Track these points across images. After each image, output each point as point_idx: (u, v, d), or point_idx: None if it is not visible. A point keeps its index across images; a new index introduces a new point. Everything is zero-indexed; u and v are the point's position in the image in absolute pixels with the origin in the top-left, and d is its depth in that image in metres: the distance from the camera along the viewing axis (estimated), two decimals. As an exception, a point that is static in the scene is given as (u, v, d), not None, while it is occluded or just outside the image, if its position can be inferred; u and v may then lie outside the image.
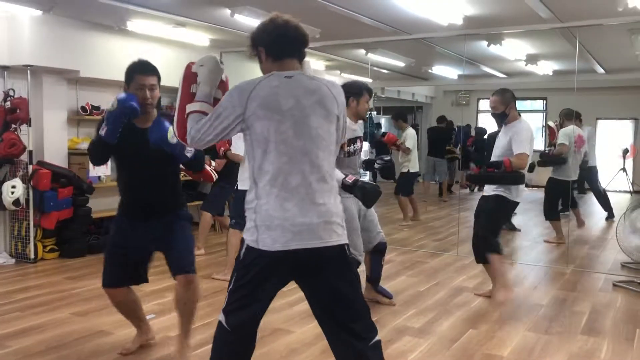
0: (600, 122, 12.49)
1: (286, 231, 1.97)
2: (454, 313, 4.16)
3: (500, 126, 4.42)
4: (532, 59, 8.85)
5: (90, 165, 5.76)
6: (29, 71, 5.52)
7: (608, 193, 9.30)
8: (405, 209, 8.12)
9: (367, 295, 4.14)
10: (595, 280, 5.21)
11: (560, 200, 7.08)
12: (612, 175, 11.24)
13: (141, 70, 2.96)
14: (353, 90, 3.91)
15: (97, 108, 6.36)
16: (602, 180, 11.44)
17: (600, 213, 9.25)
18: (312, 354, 3.30)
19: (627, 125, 13.10)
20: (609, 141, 12.90)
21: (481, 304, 4.39)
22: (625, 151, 11.33)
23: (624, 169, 11.30)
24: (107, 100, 6.54)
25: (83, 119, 6.33)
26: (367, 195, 3.50)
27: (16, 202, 5.36)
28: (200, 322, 3.86)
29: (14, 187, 5.37)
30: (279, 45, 2.11)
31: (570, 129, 6.86)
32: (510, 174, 4.11)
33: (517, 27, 6.49)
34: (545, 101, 13.73)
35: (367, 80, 10.66)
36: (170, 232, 3.05)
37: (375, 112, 12.10)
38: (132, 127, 2.93)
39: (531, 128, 4.25)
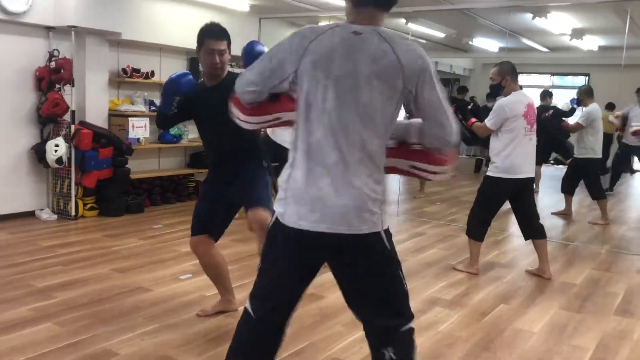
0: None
1: (315, 210, 1.75)
2: (485, 287, 4.16)
3: (495, 97, 4.42)
4: (577, 33, 8.57)
5: (130, 126, 5.88)
6: (73, 32, 5.61)
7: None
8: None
9: None
10: (630, 261, 5.13)
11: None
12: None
13: (211, 35, 2.97)
14: None
15: (138, 71, 6.44)
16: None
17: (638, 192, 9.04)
18: (343, 320, 3.36)
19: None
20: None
21: (514, 279, 4.38)
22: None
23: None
24: (147, 63, 6.62)
25: (124, 81, 6.43)
26: None
27: (59, 160, 5.51)
28: (234, 283, 3.96)
29: (57, 145, 5.52)
30: None
31: (595, 107, 6.58)
32: (465, 129, 4.27)
33: (566, 0, 6.28)
34: (587, 77, 13.33)
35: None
36: (244, 182, 3.11)
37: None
38: (204, 88, 3.09)
39: (512, 105, 4.13)
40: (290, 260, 1.86)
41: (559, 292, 4.12)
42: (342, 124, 1.74)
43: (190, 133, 7.25)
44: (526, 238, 4.54)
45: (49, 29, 5.63)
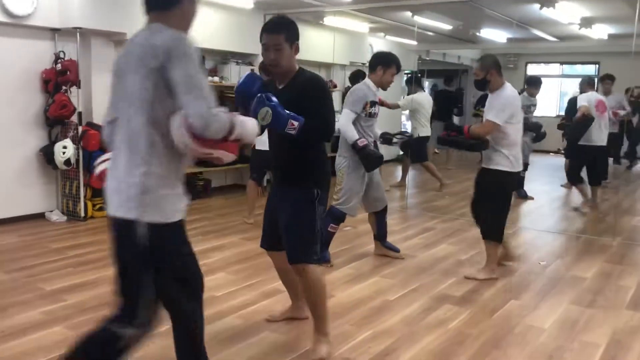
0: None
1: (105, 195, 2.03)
2: (495, 283, 4.13)
3: (483, 91, 4.35)
4: (586, 22, 8.46)
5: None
6: (78, 33, 5.61)
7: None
8: (435, 173, 8.04)
9: (376, 252, 4.69)
10: (643, 253, 5.08)
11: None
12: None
13: (265, 28, 2.69)
14: (383, 61, 4.25)
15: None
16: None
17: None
18: (352, 319, 3.36)
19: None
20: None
21: (523, 275, 4.35)
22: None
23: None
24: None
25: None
26: (370, 160, 4.05)
27: (67, 161, 5.54)
28: (243, 283, 3.97)
29: (65, 147, 5.54)
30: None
31: (590, 94, 6.68)
32: (467, 141, 4.09)
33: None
34: (598, 66, 13.18)
35: (412, 42, 10.47)
36: (285, 210, 2.80)
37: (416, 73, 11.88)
38: (274, 89, 2.77)
39: (514, 96, 4.05)
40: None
41: (570, 286, 4.09)
42: (120, 109, 1.99)
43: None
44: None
45: (54, 30, 5.64)
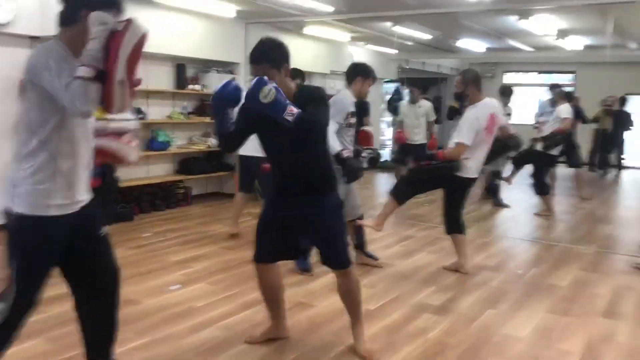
0: (630, 97, 12.21)
1: None
2: (474, 292, 4.20)
3: (461, 106, 4.52)
4: (562, 33, 8.66)
5: (117, 135, 5.85)
6: (57, 41, 5.57)
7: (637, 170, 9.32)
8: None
9: (357, 261, 4.64)
10: (617, 261, 5.19)
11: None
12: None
13: (250, 59, 2.75)
14: (362, 72, 4.28)
15: (124, 78, 6.41)
16: (633, 155, 11.35)
17: (627, 192, 9.14)
18: (333, 329, 3.39)
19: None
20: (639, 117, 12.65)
21: (500, 284, 4.42)
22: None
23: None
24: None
25: (110, 89, 6.40)
26: (352, 171, 4.13)
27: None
28: (224, 293, 3.98)
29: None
30: None
31: (568, 106, 6.97)
32: (444, 164, 4.33)
33: (549, 3, 6.35)
34: (574, 75, 13.47)
35: (392, 52, 10.58)
36: (318, 219, 2.85)
37: (400, 84, 12.01)
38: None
39: (479, 116, 4.24)
40: None
41: (546, 295, 4.17)
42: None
43: (178, 139, 7.24)
44: (449, 232, 4.69)
45: (33, 38, 5.59)
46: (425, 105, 7.82)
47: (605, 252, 5.52)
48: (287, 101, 2.51)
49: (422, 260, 4.99)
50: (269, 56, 2.70)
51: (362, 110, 6.84)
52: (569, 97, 7.31)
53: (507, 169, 7.77)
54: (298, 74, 6.58)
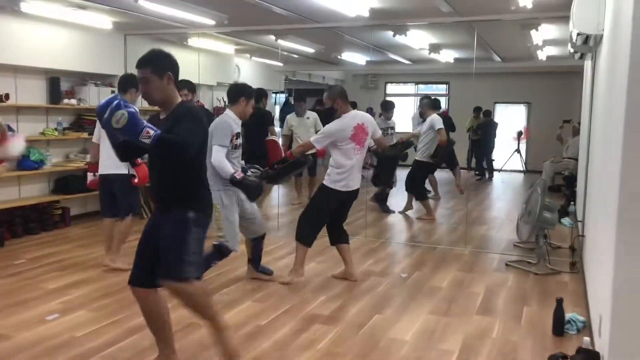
0: (497, 105, 13.27)
1: None
2: (362, 298, 4.34)
3: (331, 120, 4.73)
4: (434, 48, 9.22)
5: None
6: None
7: (504, 173, 10.13)
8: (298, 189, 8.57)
9: (248, 276, 4.77)
10: (490, 260, 5.60)
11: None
12: (508, 155, 12.05)
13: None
14: (245, 93, 4.34)
15: (-11, 93, 5.94)
16: (499, 160, 12.29)
17: (496, 194, 9.87)
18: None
19: (521, 109, 14.01)
20: (505, 124, 13.77)
21: (386, 288, 4.60)
22: (520, 133, 12.15)
23: (518, 150, 12.09)
24: (0, 85, 6.11)
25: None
26: (251, 191, 4.13)
27: None
28: (107, 319, 3.78)
29: None
30: None
31: (437, 116, 7.46)
32: (292, 162, 4.56)
33: (421, 20, 6.75)
34: (448, 85, 14.38)
35: (277, 64, 10.69)
36: (160, 233, 2.86)
37: (287, 94, 12.17)
38: (157, 120, 2.91)
39: (342, 126, 4.49)
40: None
41: (428, 297, 4.40)
42: None
43: (53, 157, 6.80)
44: (333, 243, 4.87)
45: None
46: (313, 116, 8.00)
47: (479, 252, 5.93)
48: (144, 123, 2.51)
49: (312, 271, 5.07)
50: (152, 62, 2.80)
51: (265, 120, 7.04)
52: (435, 106, 7.73)
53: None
54: (261, 94, 6.59)
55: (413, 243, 6.37)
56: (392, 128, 7.91)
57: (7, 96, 6.09)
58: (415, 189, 7.62)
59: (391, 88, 14.69)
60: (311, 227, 4.69)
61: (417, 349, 3.42)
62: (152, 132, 2.48)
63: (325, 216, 4.69)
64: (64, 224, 6.78)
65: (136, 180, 4.69)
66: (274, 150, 5.57)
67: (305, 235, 4.68)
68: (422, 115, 7.62)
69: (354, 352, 3.35)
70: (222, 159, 4.10)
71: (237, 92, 4.33)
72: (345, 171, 4.52)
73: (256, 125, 6.39)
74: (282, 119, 10.96)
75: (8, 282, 4.61)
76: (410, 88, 15.10)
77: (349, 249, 4.86)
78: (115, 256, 4.98)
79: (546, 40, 8.26)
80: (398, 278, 4.92)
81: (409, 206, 7.91)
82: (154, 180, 2.95)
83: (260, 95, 7.26)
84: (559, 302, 3.66)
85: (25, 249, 5.71)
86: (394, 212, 7.97)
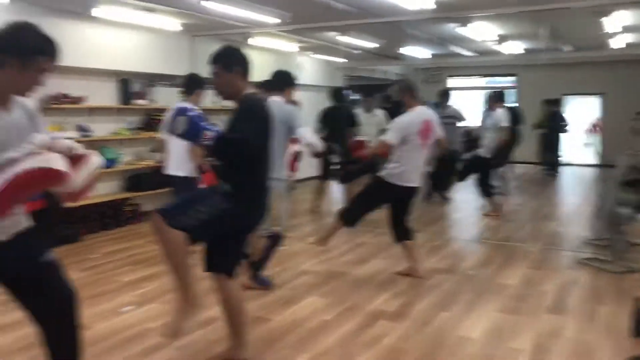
0: (567, 97, 12.74)
1: None
2: (427, 295, 4.28)
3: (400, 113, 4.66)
4: (502, 39, 8.96)
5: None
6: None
7: (575, 167, 9.70)
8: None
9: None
10: (561, 257, 5.40)
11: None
12: (579, 150, 11.56)
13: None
14: (289, 81, 4.43)
15: (66, 96, 6.26)
16: (569, 153, 11.75)
17: (566, 189, 9.50)
18: (290, 342, 3.39)
19: (594, 101, 13.37)
20: (576, 116, 13.20)
21: (452, 286, 4.52)
22: (594, 126, 11.62)
23: (590, 144, 11.59)
24: (75, 88, 6.43)
25: (50, 107, 6.22)
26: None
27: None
28: (178, 312, 3.91)
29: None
30: None
31: (504, 111, 7.15)
32: (368, 163, 4.66)
33: (488, 11, 6.57)
34: (516, 77, 13.93)
35: (340, 60, 10.70)
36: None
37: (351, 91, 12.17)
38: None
39: (411, 120, 4.44)
40: None
41: (495, 294, 4.29)
42: None
43: (126, 156, 7.10)
44: (397, 241, 4.79)
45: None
46: (380, 113, 7.90)
47: (550, 249, 5.73)
48: (205, 126, 2.63)
49: (376, 267, 5.05)
50: (222, 58, 2.92)
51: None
52: (502, 99, 7.37)
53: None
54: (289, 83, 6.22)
55: (479, 240, 6.22)
56: (451, 117, 7.78)
57: (82, 98, 6.41)
58: (480, 186, 7.42)
59: (453, 82, 14.40)
60: (355, 209, 4.77)
61: (485, 347, 3.34)
62: (209, 134, 2.63)
63: (373, 205, 4.71)
64: (136, 220, 7.06)
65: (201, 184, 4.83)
66: (358, 150, 5.48)
67: (346, 213, 4.80)
68: (489, 110, 7.38)
69: (420, 349, 3.32)
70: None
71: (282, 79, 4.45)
72: (405, 165, 4.46)
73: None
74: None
75: (84, 275, 4.85)
76: (475, 81, 14.75)
77: (414, 245, 4.79)
78: None
79: (625, 26, 7.82)
80: (464, 275, 4.82)
81: (495, 207, 7.36)
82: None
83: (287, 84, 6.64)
84: (638, 302, 3.48)
85: (99, 244, 5.99)
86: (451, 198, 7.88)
